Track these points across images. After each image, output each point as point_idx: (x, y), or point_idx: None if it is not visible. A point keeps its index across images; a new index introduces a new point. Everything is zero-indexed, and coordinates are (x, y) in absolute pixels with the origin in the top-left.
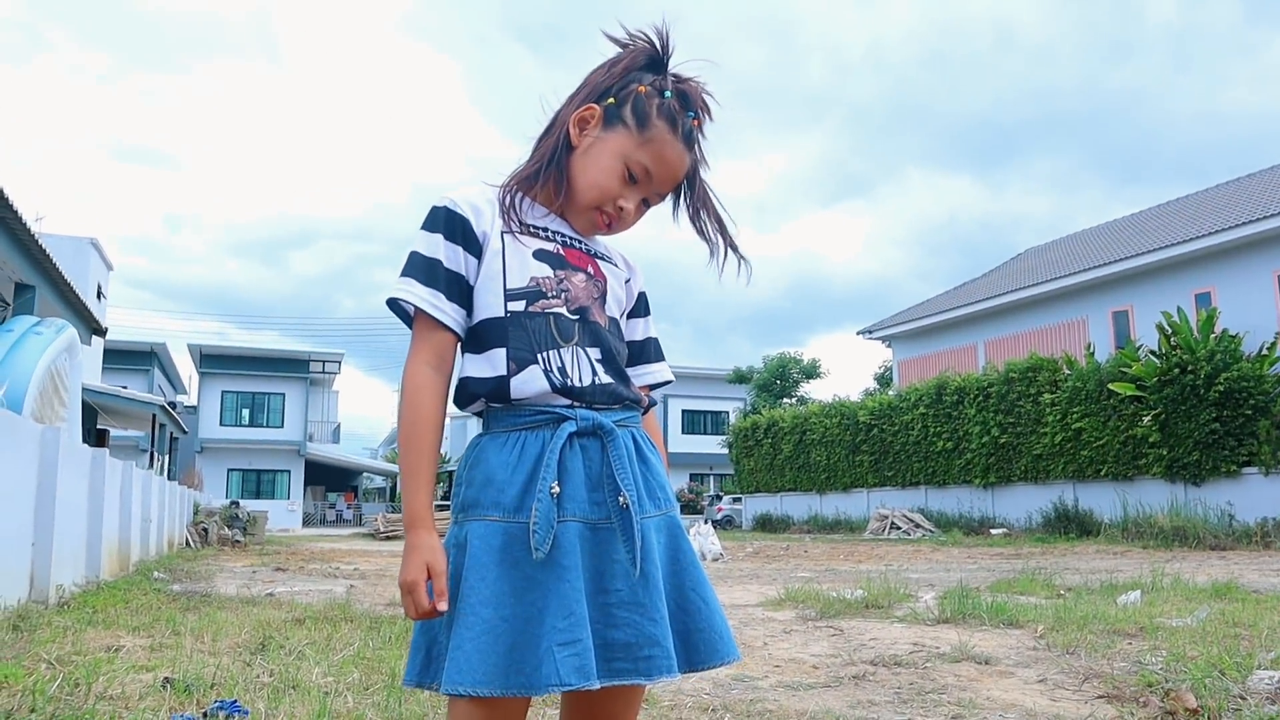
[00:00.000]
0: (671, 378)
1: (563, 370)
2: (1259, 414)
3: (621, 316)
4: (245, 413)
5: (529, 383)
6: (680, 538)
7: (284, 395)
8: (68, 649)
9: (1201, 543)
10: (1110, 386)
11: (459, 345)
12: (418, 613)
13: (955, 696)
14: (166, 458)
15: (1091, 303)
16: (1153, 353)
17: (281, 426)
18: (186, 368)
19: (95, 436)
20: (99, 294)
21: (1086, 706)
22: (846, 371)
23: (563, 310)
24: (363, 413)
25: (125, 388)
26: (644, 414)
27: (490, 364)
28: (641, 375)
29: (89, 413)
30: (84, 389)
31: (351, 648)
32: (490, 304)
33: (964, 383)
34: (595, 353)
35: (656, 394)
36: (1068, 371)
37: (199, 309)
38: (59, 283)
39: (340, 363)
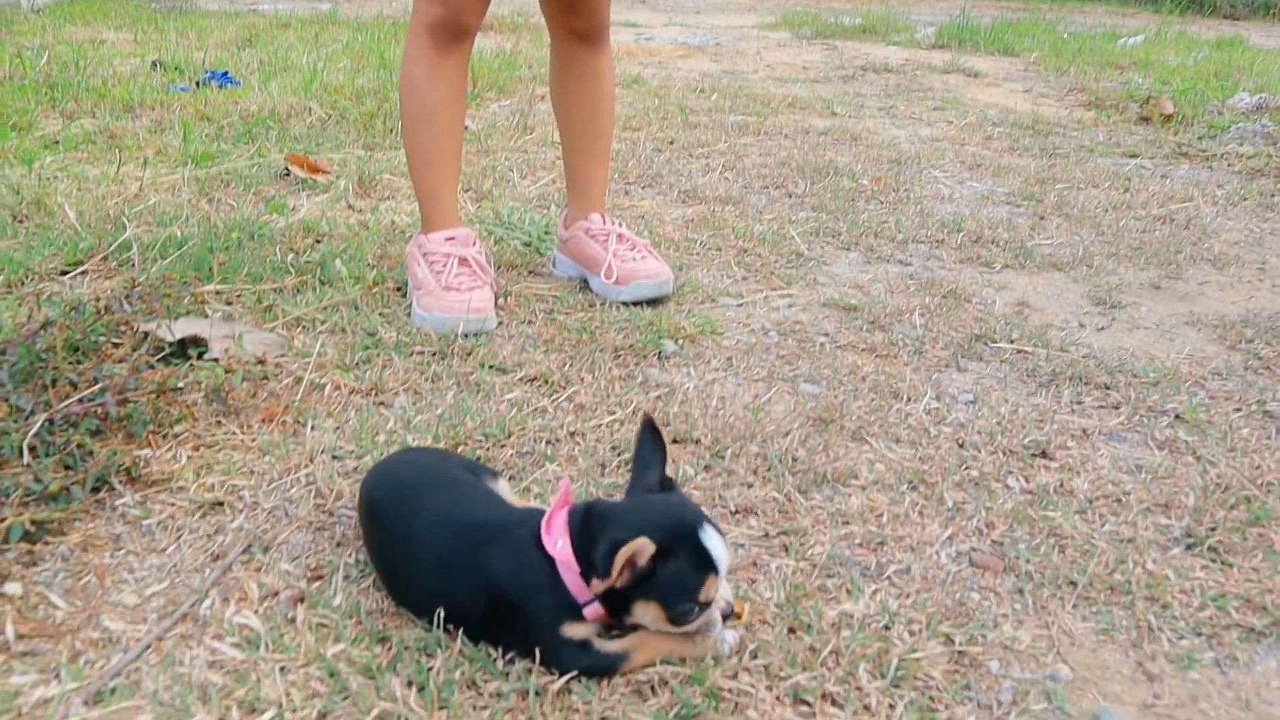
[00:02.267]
0: None
1: None
2: None
3: None
4: None
5: None
6: None
7: None
8: (50, 40)
9: (1217, 11)
10: None
11: None
12: None
13: (940, 96)
14: None
15: None
16: None
17: None
18: None
19: None
20: None
21: (1066, 110)
22: None
23: None
24: None
25: None
26: None
27: None
28: None
29: None
30: None
31: (340, 42)
32: None
33: None
34: None
35: None
36: None
37: None
38: None
39: None
